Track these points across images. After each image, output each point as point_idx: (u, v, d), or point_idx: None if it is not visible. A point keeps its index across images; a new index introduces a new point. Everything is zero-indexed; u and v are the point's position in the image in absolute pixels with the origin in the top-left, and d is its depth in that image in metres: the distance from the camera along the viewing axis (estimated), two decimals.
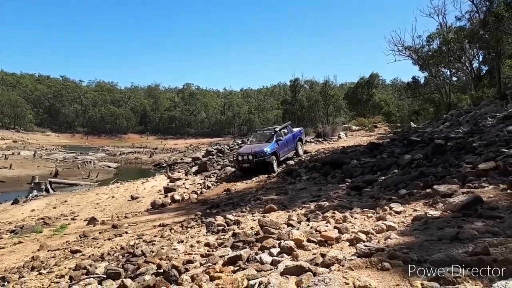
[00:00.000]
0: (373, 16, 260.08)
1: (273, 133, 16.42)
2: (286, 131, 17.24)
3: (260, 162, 15.08)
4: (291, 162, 16.13)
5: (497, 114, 13.56)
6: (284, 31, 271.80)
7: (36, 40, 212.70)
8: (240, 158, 15.69)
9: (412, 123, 24.19)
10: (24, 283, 5.75)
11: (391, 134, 22.79)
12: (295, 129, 18.52)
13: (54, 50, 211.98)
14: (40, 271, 6.40)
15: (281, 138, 16.26)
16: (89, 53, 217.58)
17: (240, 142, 27.82)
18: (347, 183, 9.34)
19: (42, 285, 5.50)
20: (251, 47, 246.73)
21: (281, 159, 16.05)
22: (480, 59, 29.55)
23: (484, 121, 13.06)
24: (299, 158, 16.84)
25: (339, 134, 26.34)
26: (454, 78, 35.10)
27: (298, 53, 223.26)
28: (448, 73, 33.17)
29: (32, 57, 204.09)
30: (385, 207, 5.44)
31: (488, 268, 2.40)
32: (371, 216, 5.17)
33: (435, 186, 5.89)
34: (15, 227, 12.16)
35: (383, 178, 8.90)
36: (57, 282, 5.35)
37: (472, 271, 2.37)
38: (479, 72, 29.28)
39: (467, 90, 29.33)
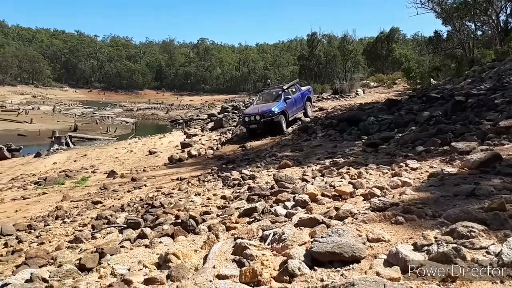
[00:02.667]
0: None
1: (280, 91, 15.73)
2: (294, 89, 16.47)
3: (268, 122, 14.45)
4: (307, 119, 15.99)
5: None
6: None
7: None
8: (246, 119, 15.07)
9: (432, 80, 23.47)
10: (50, 230, 6.05)
11: (410, 91, 22.24)
12: (303, 88, 17.81)
13: (67, 3, 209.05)
14: (64, 220, 6.71)
15: (289, 96, 15.53)
16: (103, 7, 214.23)
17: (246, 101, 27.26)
18: (363, 140, 9.27)
19: (67, 232, 5.78)
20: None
21: (290, 119, 15.37)
22: (508, 11, 27.97)
23: (509, 77, 12.56)
24: (308, 118, 16.21)
25: (357, 91, 25.87)
26: (479, 32, 33.49)
27: (316, 6, 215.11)
28: (473, 26, 31.58)
29: (46, 12, 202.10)
30: (401, 164, 5.41)
31: (504, 224, 2.40)
32: (386, 172, 5.16)
33: (453, 143, 5.79)
34: (38, 178, 12.64)
35: (400, 135, 8.79)
36: (80, 230, 5.60)
37: (487, 226, 2.38)
38: (506, 25, 27.75)
39: (492, 45, 28.03)
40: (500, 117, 7.20)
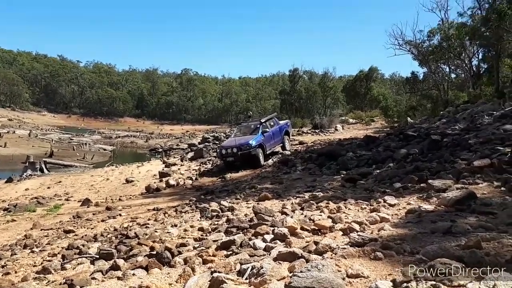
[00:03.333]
0: (374, 10, 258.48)
1: (258, 124, 15.56)
2: (272, 123, 16.37)
3: (246, 155, 14.23)
4: (287, 152, 16.07)
5: (494, 112, 13.57)
6: (284, 20, 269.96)
7: (33, 18, 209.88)
8: (223, 151, 14.83)
9: (409, 118, 24.20)
10: (16, 260, 5.76)
11: (388, 129, 22.84)
12: (281, 121, 17.74)
13: (51, 29, 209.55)
14: (33, 249, 6.41)
15: (267, 130, 15.37)
16: (87, 34, 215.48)
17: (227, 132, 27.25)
18: (342, 175, 9.36)
19: (34, 263, 5.51)
20: (251, 35, 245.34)
21: (268, 152, 15.16)
22: (480, 56, 29.44)
23: (481, 119, 13.07)
24: (287, 151, 16.06)
25: (336, 127, 26.36)
26: (453, 75, 35.04)
27: (298, 43, 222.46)
28: (447, 69, 33.07)
29: (29, 35, 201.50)
30: (379, 200, 5.47)
31: (480, 261, 2.43)
32: (365, 208, 5.19)
33: (429, 181, 5.91)
34: (8, 205, 12.16)
35: (378, 171, 8.92)
36: (49, 261, 5.35)
37: (464, 264, 2.39)
38: (478, 70, 29.18)
39: (465, 88, 29.29)
40: (474, 157, 7.42)
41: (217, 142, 23.76)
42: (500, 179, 5.45)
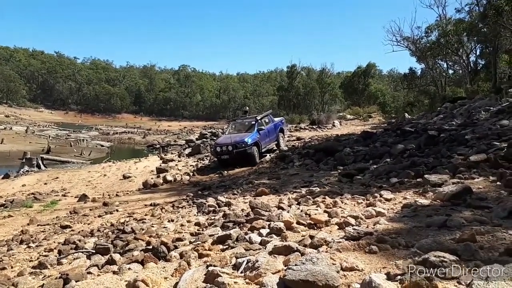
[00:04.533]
0: (372, 6, 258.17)
1: (253, 122, 15.34)
2: (267, 120, 16.15)
3: (241, 153, 13.98)
4: (284, 148, 16.07)
5: (491, 108, 13.63)
6: (282, 17, 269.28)
7: (30, 14, 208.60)
8: (218, 149, 14.48)
9: (406, 114, 24.28)
10: (13, 255, 5.73)
11: (385, 124, 22.87)
12: (276, 119, 17.51)
13: (48, 25, 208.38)
14: (29, 245, 6.39)
15: (262, 127, 15.13)
16: (85, 30, 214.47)
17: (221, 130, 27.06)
18: (339, 170, 9.38)
19: (31, 258, 5.49)
20: (249, 31, 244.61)
21: (263, 150, 14.98)
22: (477, 52, 29.55)
23: (478, 115, 13.13)
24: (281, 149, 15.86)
25: (334, 122, 26.40)
26: (451, 71, 35.17)
27: (296, 39, 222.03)
28: (445, 65, 33.23)
29: (26, 32, 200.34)
30: (376, 194, 5.48)
31: (474, 254, 2.44)
32: (361, 202, 5.21)
33: (426, 176, 5.93)
34: (5, 201, 12.09)
35: (375, 166, 8.95)
36: (45, 256, 5.33)
37: (458, 257, 2.40)
38: (476, 65, 29.29)
39: (463, 84, 29.39)
40: (470, 152, 7.45)
41: (214, 138, 23.72)
42: (495, 174, 5.47)
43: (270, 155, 15.02)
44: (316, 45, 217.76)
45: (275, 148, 16.14)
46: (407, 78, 34.35)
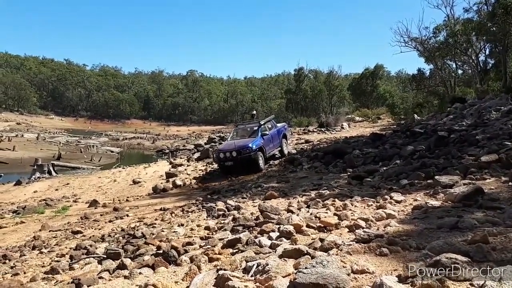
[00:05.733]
0: (379, 7, 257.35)
1: (257, 127, 14.89)
2: (270, 125, 15.69)
3: (246, 159, 13.41)
4: (293, 151, 16.00)
5: (502, 107, 13.45)
6: (289, 20, 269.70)
7: (40, 23, 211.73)
8: (221, 155, 13.86)
9: (415, 115, 24.06)
10: (25, 261, 5.81)
11: (394, 126, 22.70)
12: (279, 124, 17.07)
13: (58, 34, 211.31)
14: (41, 250, 6.46)
15: (266, 132, 14.63)
16: (94, 37, 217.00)
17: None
18: (349, 173, 9.32)
19: (43, 263, 5.56)
20: (256, 35, 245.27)
21: (267, 156, 14.49)
22: (487, 52, 29.21)
23: (488, 115, 12.96)
24: (284, 156, 15.31)
25: (342, 125, 26.29)
26: (460, 71, 34.79)
27: (303, 43, 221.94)
28: (454, 66, 32.84)
29: (36, 40, 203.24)
30: (386, 196, 5.44)
31: (487, 256, 2.41)
32: (371, 205, 5.17)
33: (436, 177, 5.88)
34: (17, 207, 12.27)
35: (384, 168, 8.87)
36: (57, 261, 5.39)
37: (470, 258, 2.37)
38: (485, 65, 28.95)
39: (473, 84, 29.06)
40: (481, 152, 7.36)
41: (222, 142, 23.78)
42: (507, 174, 5.40)
43: (274, 162, 14.74)
44: (323, 48, 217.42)
45: (279, 155, 15.71)
46: (416, 79, 34.03)
